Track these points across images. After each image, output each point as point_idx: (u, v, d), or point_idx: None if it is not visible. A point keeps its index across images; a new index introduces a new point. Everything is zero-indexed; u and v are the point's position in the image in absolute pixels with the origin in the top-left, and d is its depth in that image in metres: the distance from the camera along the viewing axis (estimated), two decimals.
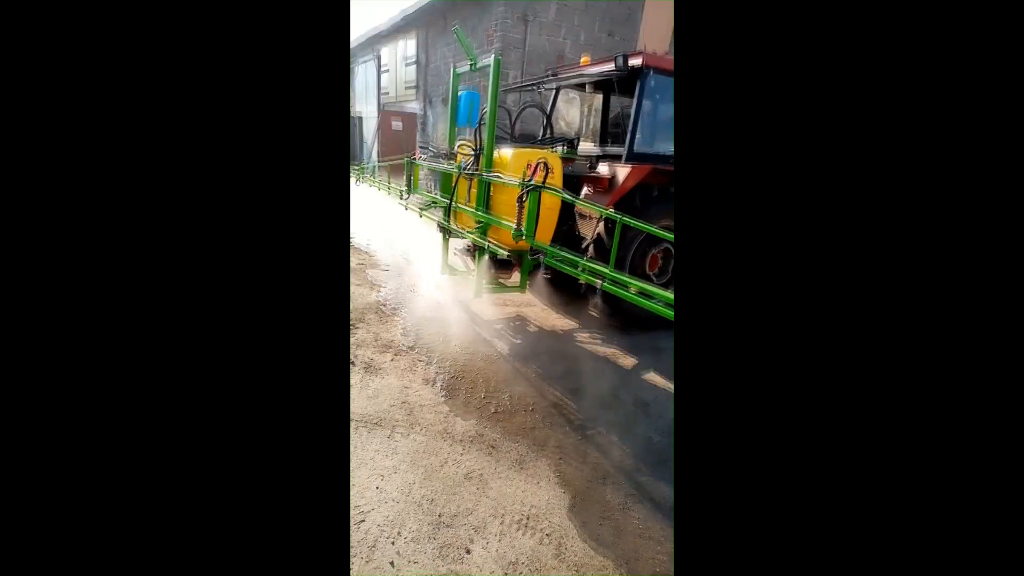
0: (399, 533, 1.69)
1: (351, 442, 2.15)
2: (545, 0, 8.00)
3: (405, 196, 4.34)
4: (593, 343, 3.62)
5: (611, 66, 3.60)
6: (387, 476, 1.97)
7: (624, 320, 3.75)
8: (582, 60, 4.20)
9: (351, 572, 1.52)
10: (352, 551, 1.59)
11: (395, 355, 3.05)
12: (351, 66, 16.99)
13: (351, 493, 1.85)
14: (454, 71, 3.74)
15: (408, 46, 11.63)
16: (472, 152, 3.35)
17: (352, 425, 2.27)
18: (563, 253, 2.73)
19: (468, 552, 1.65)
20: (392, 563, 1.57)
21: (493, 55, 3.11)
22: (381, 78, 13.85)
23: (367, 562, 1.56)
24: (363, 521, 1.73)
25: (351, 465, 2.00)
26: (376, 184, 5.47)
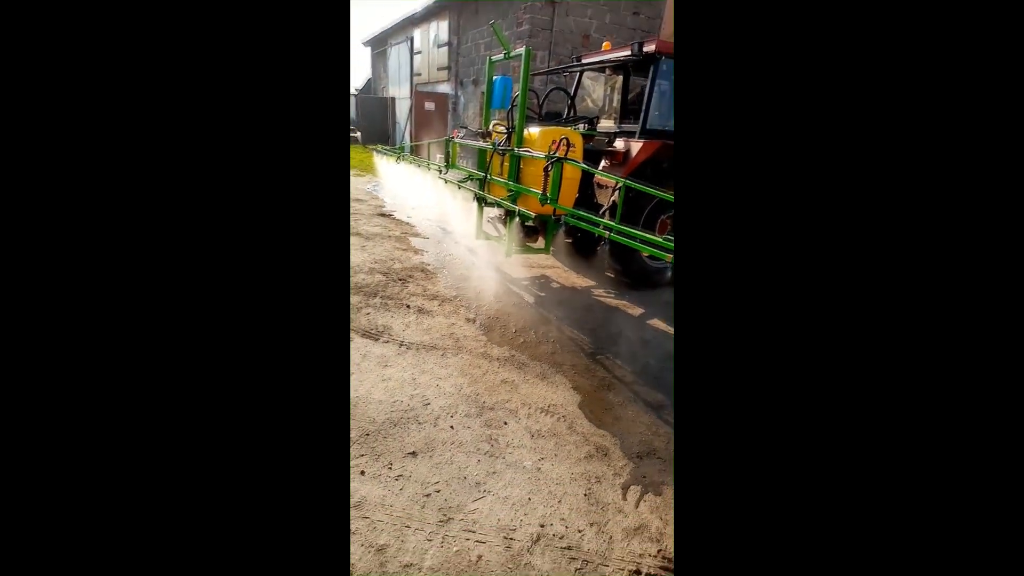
0: (455, 413, 2.34)
1: (418, 358, 2.81)
2: None
3: (443, 171, 4.94)
4: (607, 297, 4.19)
5: (628, 52, 4.06)
6: (443, 379, 2.62)
7: (635, 279, 4.29)
8: (604, 45, 4.66)
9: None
10: (420, 422, 2.24)
11: (441, 303, 3.69)
12: (385, 49, 17.48)
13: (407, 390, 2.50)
14: (489, 60, 4.27)
15: (440, 29, 12.04)
16: (504, 131, 3.91)
17: (414, 348, 2.93)
18: (583, 214, 3.28)
19: (505, 423, 2.29)
20: (452, 427, 2.22)
21: (524, 47, 3.63)
22: (414, 60, 14.32)
23: (435, 427, 2.22)
24: (428, 404, 2.38)
25: (420, 371, 2.66)
26: (415, 162, 6.08)
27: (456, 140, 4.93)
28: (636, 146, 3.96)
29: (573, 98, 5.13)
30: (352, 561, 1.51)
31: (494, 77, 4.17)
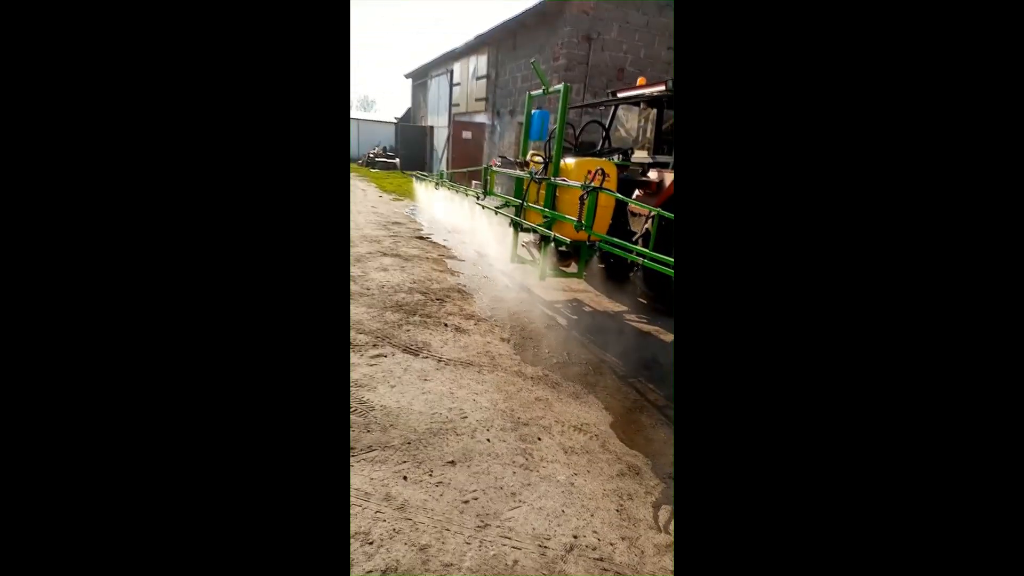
0: (491, 427, 2.45)
1: (455, 374, 2.95)
2: (607, 20, 8.64)
3: (482, 198, 5.18)
4: (639, 322, 4.25)
5: (662, 88, 4.23)
6: (479, 394, 2.74)
7: (668, 305, 4.34)
8: (639, 81, 4.85)
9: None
10: (459, 433, 2.36)
11: (477, 322, 3.85)
12: (425, 80, 18.38)
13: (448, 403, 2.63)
14: (529, 95, 4.52)
15: (479, 63, 12.64)
16: (542, 161, 4.11)
17: (452, 364, 3.07)
18: (617, 240, 3.41)
19: (539, 439, 2.38)
20: (488, 439, 2.33)
21: (563, 84, 3.86)
22: (453, 91, 15.01)
23: (472, 438, 2.33)
24: (466, 417, 2.50)
25: (458, 386, 2.80)
26: (453, 188, 6.37)
27: (494, 168, 5.17)
28: (669, 177, 4.08)
29: (608, 130, 5.32)
30: (397, 558, 1.62)
31: (533, 110, 4.41)
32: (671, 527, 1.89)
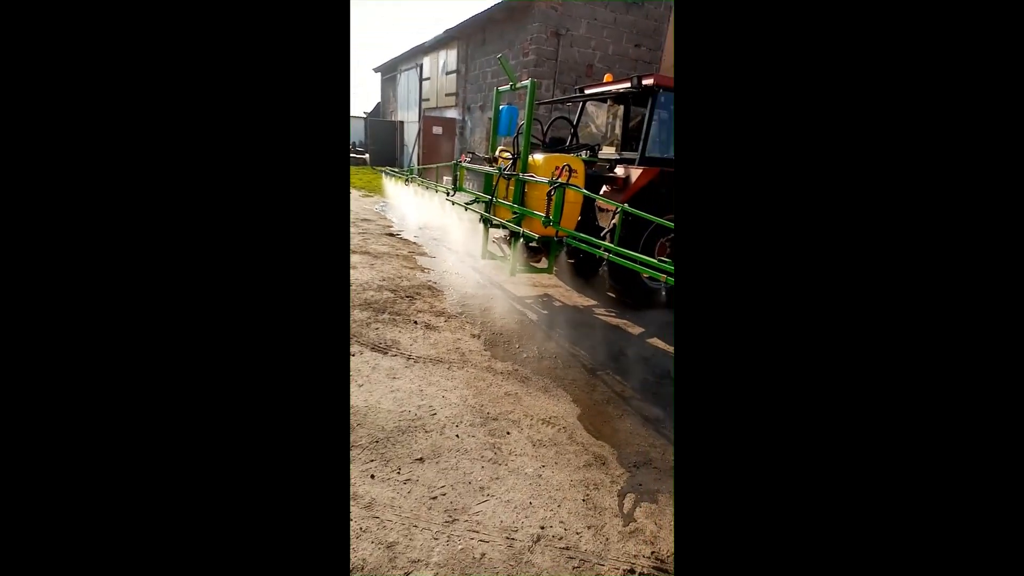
0: (460, 423, 2.45)
1: (425, 371, 2.93)
2: (575, 17, 8.69)
3: (452, 194, 5.15)
4: (608, 316, 4.32)
5: (628, 84, 4.29)
6: (449, 391, 2.74)
7: (634, 298, 4.43)
8: (605, 78, 4.91)
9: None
10: (427, 430, 2.36)
11: (447, 319, 3.83)
12: (394, 75, 18.09)
13: (414, 400, 2.63)
14: (496, 90, 4.52)
15: (449, 57, 12.53)
16: (510, 157, 4.12)
17: (420, 362, 3.06)
18: (583, 235, 3.45)
19: (508, 433, 2.40)
20: (457, 435, 2.34)
21: (530, 80, 3.87)
22: (423, 86, 14.83)
23: (441, 435, 2.33)
24: (435, 414, 2.50)
25: (427, 383, 2.79)
26: (423, 184, 6.30)
27: (463, 164, 5.15)
28: (635, 173, 4.15)
29: (576, 126, 5.37)
30: (364, 556, 1.62)
31: (501, 106, 4.40)
32: (636, 513, 1.95)
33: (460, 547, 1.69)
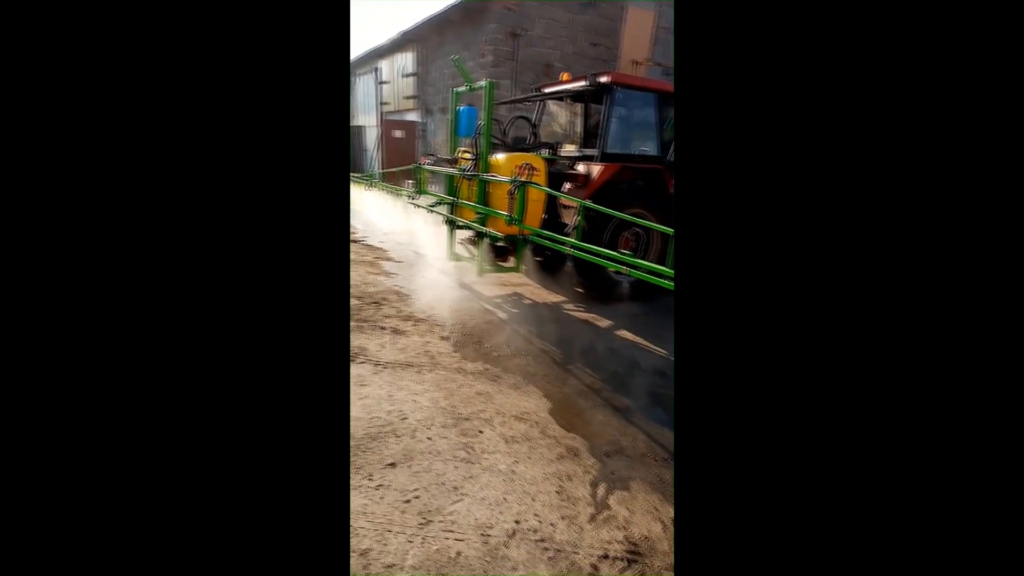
0: (432, 425, 2.44)
1: (394, 376, 2.90)
2: (532, 17, 8.77)
3: (414, 197, 5.10)
4: (576, 311, 4.38)
5: (585, 82, 4.37)
6: (419, 394, 2.72)
7: (600, 292, 4.51)
8: (563, 76, 4.97)
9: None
10: (398, 435, 2.33)
11: (415, 323, 3.80)
12: (350, 79, 17.77)
13: (372, 407, 2.60)
14: (454, 92, 4.51)
15: (407, 60, 12.40)
16: (471, 158, 4.12)
17: (389, 367, 3.02)
18: (546, 232, 3.49)
19: (481, 432, 2.40)
20: (429, 437, 2.32)
21: (487, 80, 3.88)
22: (381, 90, 14.63)
23: (413, 438, 2.31)
24: (406, 418, 2.47)
25: (396, 388, 2.75)
26: (386, 189, 6.22)
27: (425, 167, 5.11)
28: (596, 169, 4.23)
29: (536, 126, 5.42)
30: None
31: (460, 107, 4.40)
32: (609, 501, 1.98)
33: (435, 548, 1.69)
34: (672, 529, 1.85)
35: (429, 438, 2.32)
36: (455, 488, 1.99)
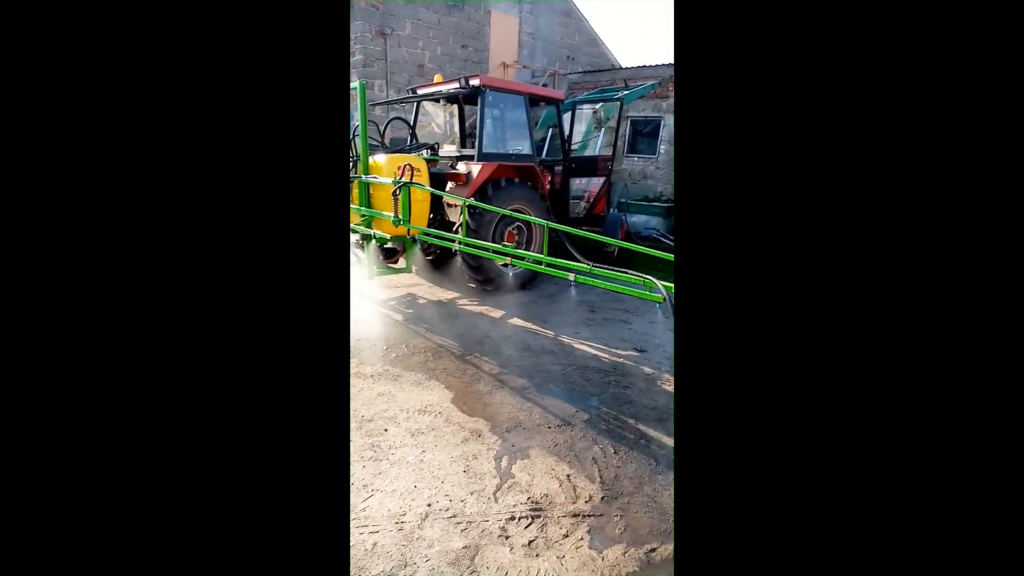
0: None
1: None
2: (399, 17, 8.69)
3: None
4: (471, 305, 4.55)
5: (458, 85, 4.52)
6: None
7: (489, 283, 4.71)
8: (436, 78, 5.08)
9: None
10: None
11: None
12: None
13: None
14: None
15: None
16: (350, 160, 4.04)
17: None
18: (434, 231, 3.59)
19: (386, 430, 2.45)
20: None
21: (359, 81, 3.83)
22: None
23: None
24: None
25: None
26: None
27: None
28: (476, 168, 4.42)
29: (413, 127, 5.45)
30: None
31: None
32: (512, 470, 2.18)
33: (351, 543, 1.72)
34: (568, 484, 2.11)
35: None
36: (365, 486, 2.03)
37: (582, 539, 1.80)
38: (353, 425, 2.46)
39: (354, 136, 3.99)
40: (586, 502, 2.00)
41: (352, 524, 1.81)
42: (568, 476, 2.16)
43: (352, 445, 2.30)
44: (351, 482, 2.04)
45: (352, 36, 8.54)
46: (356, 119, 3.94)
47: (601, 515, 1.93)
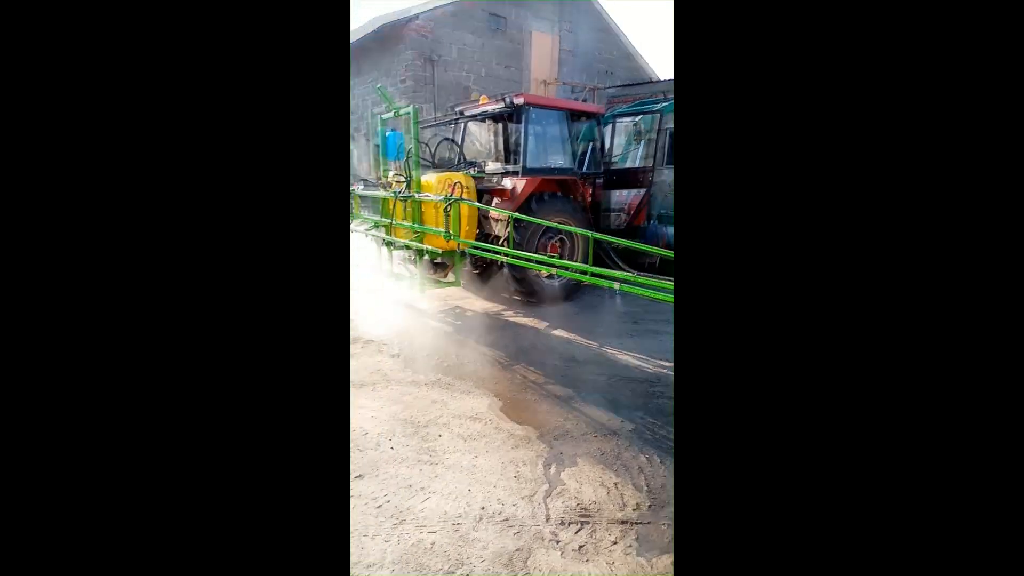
0: (393, 436, 2.57)
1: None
2: (445, 43, 9.11)
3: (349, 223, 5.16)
4: (515, 316, 4.66)
5: (502, 104, 4.72)
6: (377, 410, 2.83)
7: (534, 295, 4.81)
8: (481, 99, 5.30)
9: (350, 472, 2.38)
10: (362, 449, 2.45)
11: (363, 345, 3.88)
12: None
13: (352, 416, 2.70)
14: (380, 118, 4.67)
15: None
16: (403, 180, 4.30)
17: None
18: (483, 244, 3.74)
19: (440, 435, 2.57)
20: (392, 447, 2.46)
21: (412, 106, 4.10)
22: None
23: (376, 450, 2.43)
24: (367, 433, 2.59)
25: (353, 407, 2.84)
26: None
27: (357, 192, 5.20)
28: (520, 184, 4.57)
29: (460, 146, 5.70)
30: None
31: (386, 133, 4.57)
32: (561, 476, 2.24)
33: (411, 543, 1.84)
34: (616, 492, 2.14)
35: (392, 448, 2.46)
36: (423, 488, 2.15)
37: (631, 546, 1.83)
38: (410, 431, 2.61)
39: (407, 157, 4.25)
40: (634, 510, 2.03)
41: (412, 524, 1.93)
42: (616, 484, 2.19)
43: (409, 449, 2.45)
44: (410, 484, 2.17)
45: (403, 65, 9.04)
46: (409, 141, 4.20)
47: (649, 523, 1.95)
